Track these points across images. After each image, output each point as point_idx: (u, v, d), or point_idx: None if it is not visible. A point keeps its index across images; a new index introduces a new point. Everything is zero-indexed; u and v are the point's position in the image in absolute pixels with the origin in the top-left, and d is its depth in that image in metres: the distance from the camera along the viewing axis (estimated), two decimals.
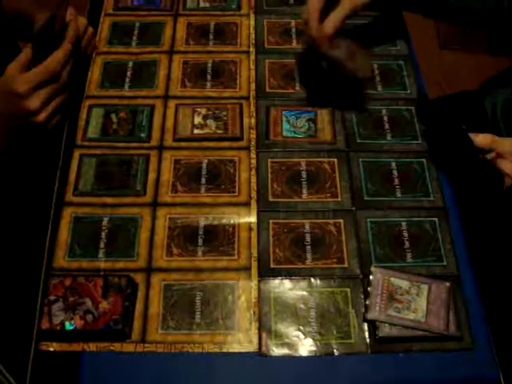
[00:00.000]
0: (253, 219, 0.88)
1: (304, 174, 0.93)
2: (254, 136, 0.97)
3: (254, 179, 0.92)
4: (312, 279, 0.83)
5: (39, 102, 0.85)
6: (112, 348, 0.77)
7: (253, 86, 1.04)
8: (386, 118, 1.00)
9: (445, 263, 0.85)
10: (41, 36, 0.85)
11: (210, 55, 1.08)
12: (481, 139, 0.85)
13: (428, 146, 0.97)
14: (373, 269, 0.82)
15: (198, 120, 0.98)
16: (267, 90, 1.03)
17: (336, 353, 0.77)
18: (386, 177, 0.93)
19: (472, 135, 0.85)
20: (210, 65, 1.07)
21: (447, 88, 2.08)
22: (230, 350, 0.78)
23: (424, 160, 0.95)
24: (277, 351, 0.78)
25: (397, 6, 1.10)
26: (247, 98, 1.02)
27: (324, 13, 0.89)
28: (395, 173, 0.93)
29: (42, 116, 0.87)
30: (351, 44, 0.93)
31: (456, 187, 0.93)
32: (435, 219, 0.89)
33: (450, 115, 0.86)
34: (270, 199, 0.90)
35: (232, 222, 0.88)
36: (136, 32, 1.12)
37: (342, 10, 0.88)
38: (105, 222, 0.88)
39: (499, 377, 0.77)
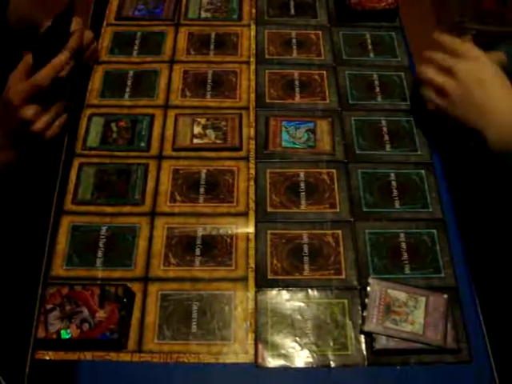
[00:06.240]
0: (251, 230, 0.88)
1: (303, 185, 0.93)
2: (253, 146, 0.97)
3: (252, 190, 0.92)
4: (309, 290, 0.83)
5: (32, 111, 0.85)
6: (108, 357, 0.77)
7: (253, 96, 1.04)
8: (385, 129, 1.00)
9: (443, 275, 0.85)
10: (41, 42, 0.85)
11: (210, 65, 1.09)
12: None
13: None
14: (370, 280, 0.82)
15: (197, 130, 0.98)
16: (267, 100, 1.04)
17: (332, 364, 0.77)
18: (384, 188, 0.93)
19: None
20: (210, 75, 1.07)
21: None
22: (226, 361, 0.77)
23: (423, 171, 0.95)
24: (273, 362, 0.77)
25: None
26: (247, 109, 1.02)
27: None
28: (394, 184, 0.93)
29: (37, 125, 0.87)
30: None
31: (455, 199, 0.92)
32: (433, 231, 0.89)
33: None
34: (269, 210, 0.90)
35: (230, 232, 0.88)
36: (137, 42, 1.12)
37: None
38: (103, 231, 0.88)
39: None
